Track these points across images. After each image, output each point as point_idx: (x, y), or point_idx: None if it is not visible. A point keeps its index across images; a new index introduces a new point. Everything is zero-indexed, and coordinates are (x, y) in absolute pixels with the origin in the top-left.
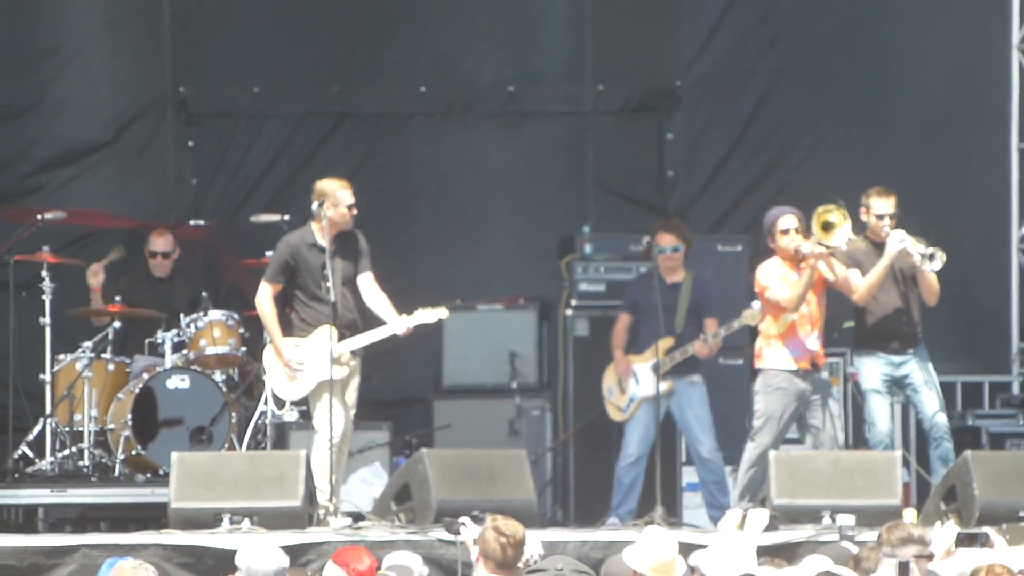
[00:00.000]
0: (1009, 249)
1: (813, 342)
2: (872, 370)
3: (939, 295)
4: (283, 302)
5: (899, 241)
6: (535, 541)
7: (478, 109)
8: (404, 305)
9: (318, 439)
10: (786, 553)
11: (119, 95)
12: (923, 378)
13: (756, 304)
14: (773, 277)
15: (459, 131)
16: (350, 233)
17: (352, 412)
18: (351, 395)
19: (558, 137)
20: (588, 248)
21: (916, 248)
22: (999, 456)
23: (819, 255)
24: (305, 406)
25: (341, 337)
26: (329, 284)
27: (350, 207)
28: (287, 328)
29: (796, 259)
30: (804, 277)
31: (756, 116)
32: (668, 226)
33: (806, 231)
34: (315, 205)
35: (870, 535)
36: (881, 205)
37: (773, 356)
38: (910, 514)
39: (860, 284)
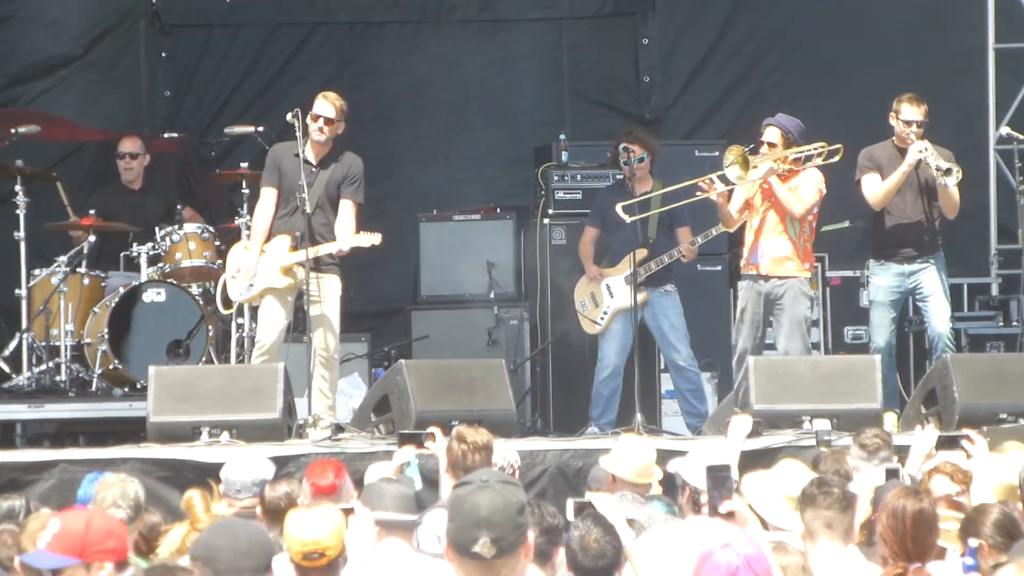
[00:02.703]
0: (987, 150)
1: (760, 250)
2: (881, 282)
3: (959, 208)
4: None
5: (919, 151)
6: (511, 450)
7: (452, 16)
8: (381, 214)
9: (257, 346)
10: (766, 459)
11: (91, 7)
12: (934, 288)
13: None
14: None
15: (433, 38)
16: (345, 156)
17: (331, 327)
18: (326, 308)
19: (533, 44)
20: (564, 156)
21: (935, 161)
22: (978, 358)
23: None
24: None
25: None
26: (304, 195)
27: (316, 117)
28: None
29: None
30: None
31: (732, 20)
32: (631, 136)
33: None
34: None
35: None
36: (910, 112)
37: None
38: (890, 418)
39: (878, 188)
